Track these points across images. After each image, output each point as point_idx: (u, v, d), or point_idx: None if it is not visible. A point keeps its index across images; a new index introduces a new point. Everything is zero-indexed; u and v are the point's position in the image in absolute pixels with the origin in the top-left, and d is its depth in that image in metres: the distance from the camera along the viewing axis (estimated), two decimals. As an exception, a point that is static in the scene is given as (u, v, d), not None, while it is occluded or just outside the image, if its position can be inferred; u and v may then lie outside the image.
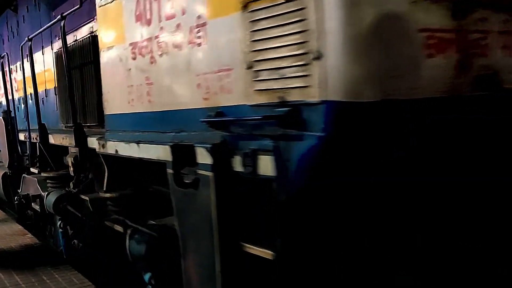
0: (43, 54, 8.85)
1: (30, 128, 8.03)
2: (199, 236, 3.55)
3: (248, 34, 3.08)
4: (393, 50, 2.65)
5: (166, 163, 3.82)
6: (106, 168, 5.66)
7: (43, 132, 7.17)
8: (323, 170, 2.79)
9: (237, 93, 3.26)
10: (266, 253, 3.11)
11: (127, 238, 4.61)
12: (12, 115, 9.17)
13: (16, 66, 10.29)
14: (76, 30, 7.30)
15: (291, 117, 2.84)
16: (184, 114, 3.78)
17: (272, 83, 2.95)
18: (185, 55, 3.69)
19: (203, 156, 3.41)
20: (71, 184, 6.64)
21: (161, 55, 3.94)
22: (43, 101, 8.95)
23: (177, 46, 3.76)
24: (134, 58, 4.31)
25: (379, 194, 2.85)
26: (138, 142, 4.22)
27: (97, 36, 6.57)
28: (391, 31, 2.65)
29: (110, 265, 6.34)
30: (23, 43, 7.83)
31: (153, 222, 4.83)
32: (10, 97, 9.46)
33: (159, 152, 3.93)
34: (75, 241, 6.74)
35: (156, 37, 3.97)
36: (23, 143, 8.89)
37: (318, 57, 2.66)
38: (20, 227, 9.57)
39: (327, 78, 2.63)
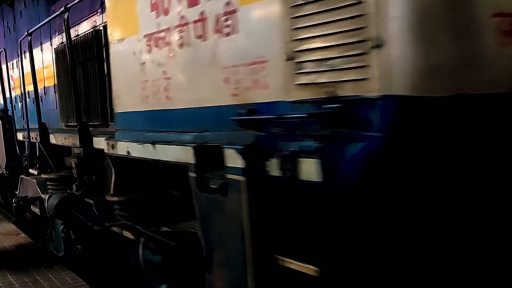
0: (41, 50, 8.44)
1: (29, 127, 7.59)
2: (229, 247, 3.17)
3: (289, 21, 2.70)
4: (466, 37, 2.27)
5: (187, 166, 3.43)
6: (113, 170, 5.27)
7: (44, 131, 6.75)
8: (379, 175, 2.42)
9: (273, 88, 2.88)
10: (308, 269, 2.73)
11: (141, 246, 4.21)
12: (10, 113, 8.73)
13: (13, 63, 9.85)
14: (77, 24, 6.90)
15: (342, 115, 2.46)
16: (208, 112, 3.39)
17: (318, 76, 2.58)
18: (210, 47, 3.30)
19: (233, 159, 3.03)
20: (74, 187, 6.23)
21: (181, 46, 3.55)
22: (41, 99, 8.53)
23: (201, 37, 3.37)
24: (149, 51, 3.91)
25: (442, 198, 2.48)
26: (153, 143, 3.82)
27: (100, 30, 6.23)
28: (464, 16, 2.27)
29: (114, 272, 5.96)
30: (21, 38, 7.42)
31: (167, 229, 4.44)
32: (7, 95, 9.02)
33: (179, 154, 3.53)
34: (78, 246, 6.33)
35: (176, 27, 3.58)
36: (21, 143, 8.46)
37: (378, 45, 2.29)
38: (14, 226, 9.34)
39: (390, 69, 2.26)
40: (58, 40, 7.82)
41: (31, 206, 7.72)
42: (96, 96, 6.37)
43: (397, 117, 2.27)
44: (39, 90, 8.60)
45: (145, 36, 3.93)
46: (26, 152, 8.03)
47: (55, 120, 7.68)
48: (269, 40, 2.86)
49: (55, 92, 8.10)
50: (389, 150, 2.34)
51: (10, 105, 9.09)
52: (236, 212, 3.04)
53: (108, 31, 4.55)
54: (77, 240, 6.31)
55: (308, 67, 2.63)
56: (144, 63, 3.98)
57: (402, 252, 2.57)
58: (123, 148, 4.28)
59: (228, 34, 3.15)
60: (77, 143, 5.77)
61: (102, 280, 6.35)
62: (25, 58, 7.83)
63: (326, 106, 2.51)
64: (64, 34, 7.59)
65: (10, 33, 10.15)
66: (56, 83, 7.81)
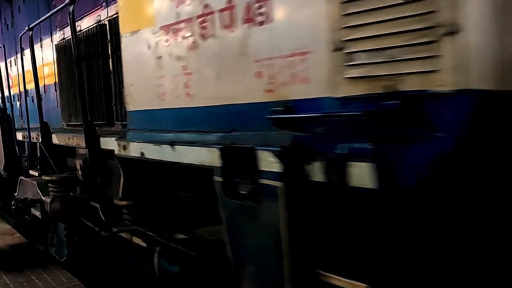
0: (41, 47, 8.09)
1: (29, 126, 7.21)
2: (263, 261, 2.82)
3: (337, 6, 2.36)
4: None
5: (212, 169, 3.09)
6: (122, 172, 4.91)
7: (46, 131, 6.37)
8: (448, 183, 2.08)
9: (316, 82, 2.54)
10: (356, 286, 2.40)
11: (156, 255, 3.86)
12: (8, 112, 8.34)
13: (11, 60, 9.46)
14: (79, 20, 6.55)
15: (404, 113, 2.13)
16: (236, 110, 3.04)
17: (373, 68, 2.24)
18: (239, 38, 2.96)
19: (268, 162, 2.68)
20: (78, 189, 5.87)
21: (205, 38, 3.21)
22: (41, 97, 8.17)
23: (228, 27, 3.02)
24: (166, 44, 3.56)
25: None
26: (172, 144, 3.47)
27: (105, 25, 5.89)
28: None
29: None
30: (22, 33, 7.04)
31: (183, 236, 4.10)
32: (6, 93, 8.63)
33: (203, 156, 3.18)
34: (82, 251, 5.97)
35: (199, 16, 3.23)
36: (20, 143, 8.07)
37: (453, 31, 1.95)
38: (8, 226, 9.23)
39: (467, 59, 1.92)
40: (59, 36, 7.46)
41: (32, 209, 7.35)
42: (100, 94, 6.03)
43: (475, 115, 1.94)
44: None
45: (162, 27, 3.58)
46: (26, 153, 7.65)
47: (55, 120, 7.33)
48: (312, 28, 2.52)
49: (55, 90, 7.74)
50: (462, 155, 2.01)
51: (8, 104, 8.70)
52: (272, 221, 2.70)
53: (120, 23, 4.19)
54: (81, 245, 5.95)
55: (361, 58, 2.29)
56: (160, 57, 3.63)
57: (467, 268, 2.24)
58: (136, 149, 3.92)
59: (261, 23, 2.80)
60: (83, 143, 5.41)
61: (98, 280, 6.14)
62: (25, 54, 7.44)
63: (385, 102, 2.16)
64: (65, 30, 7.27)
65: (8, 30, 9.76)
66: (57, 80, 7.46)
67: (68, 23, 7.00)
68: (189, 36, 3.33)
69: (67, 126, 7.27)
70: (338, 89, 2.40)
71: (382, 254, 2.34)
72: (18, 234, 8.49)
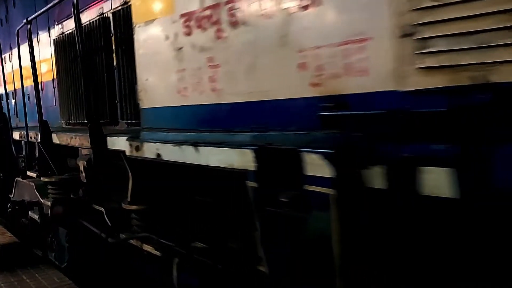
0: (38, 42, 7.65)
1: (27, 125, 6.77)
2: (310, 279, 2.44)
3: (407, -16, 1.99)
4: None
5: (244, 173, 2.71)
6: (130, 175, 4.52)
7: (46, 130, 5.94)
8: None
9: (377, 74, 2.16)
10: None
11: (175, 267, 3.47)
12: (4, 111, 7.90)
13: (5, 56, 9.00)
14: (80, 13, 6.13)
15: (498, 107, 1.76)
16: (273, 107, 2.66)
17: (457, 56, 1.87)
18: (278, 25, 2.58)
19: (317, 166, 2.30)
20: (80, 192, 5.46)
21: (235, 26, 2.82)
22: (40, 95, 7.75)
23: (264, 13, 2.64)
24: (188, 33, 3.17)
25: None
26: (195, 144, 3.08)
27: (108, 18, 5.49)
28: None
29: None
30: (19, 27, 6.60)
31: (203, 245, 3.71)
32: (1, 91, 8.19)
33: (233, 158, 2.80)
34: (84, 257, 5.56)
35: (228, 2, 2.84)
36: (16, 142, 7.63)
37: None
38: None
39: None
40: (57, 30, 7.04)
41: (29, 212, 6.92)
42: (103, 91, 5.63)
43: None
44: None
45: (183, 15, 3.19)
46: (24, 153, 7.21)
47: (53, 118, 6.92)
48: (371, 11, 2.15)
49: (54, 88, 7.32)
50: None
51: (4, 102, 8.26)
52: (321, 234, 2.32)
53: (133, 13, 3.78)
54: (83, 251, 5.55)
55: (439, 45, 1.92)
56: (181, 48, 3.24)
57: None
58: (151, 150, 3.53)
59: (306, 8, 2.42)
60: (86, 143, 5.01)
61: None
62: (22, 48, 7.01)
63: (473, 96, 1.80)
64: (64, 23, 6.85)
65: (2, 25, 9.31)
66: (55, 77, 7.03)
67: (67, 16, 6.62)
68: (216, 24, 2.94)
69: (66, 125, 6.85)
70: (407, 81, 2.03)
71: (455, 272, 1.98)
72: (9, 234, 8.19)
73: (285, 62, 2.56)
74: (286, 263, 2.59)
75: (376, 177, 2.14)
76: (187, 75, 3.20)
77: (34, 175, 6.74)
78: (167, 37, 3.35)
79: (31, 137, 6.55)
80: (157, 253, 4.16)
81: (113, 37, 5.48)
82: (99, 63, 5.67)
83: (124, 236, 4.55)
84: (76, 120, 6.37)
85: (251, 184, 2.70)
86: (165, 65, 3.39)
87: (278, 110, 2.64)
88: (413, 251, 2.10)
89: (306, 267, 2.45)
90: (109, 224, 4.92)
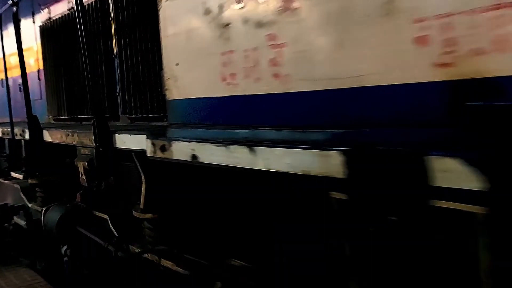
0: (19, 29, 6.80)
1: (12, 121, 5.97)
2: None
3: None
4: None
5: (322, 180, 2.06)
6: (144, 178, 3.82)
7: (35, 126, 5.16)
8: None
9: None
10: None
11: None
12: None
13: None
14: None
15: None
16: (371, 96, 2.00)
17: None
18: (380, -12, 1.92)
19: (455, 176, 1.66)
20: (78, 196, 4.72)
21: (312, -7, 2.15)
22: (20, 88, 6.93)
23: (359, -28, 1.98)
24: (239, 6, 2.48)
25: None
26: (250, 144, 2.40)
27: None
28: None
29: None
30: (2, 9, 5.77)
31: (241, 263, 3.04)
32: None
33: (308, 162, 2.14)
34: (85, 272, 4.81)
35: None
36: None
37: None
38: None
39: None
40: (44, 16, 6.25)
41: (14, 217, 6.14)
42: (101, 82, 4.92)
43: None
44: (18, 77, 7.02)
45: (232, -18, 2.50)
46: (7, 152, 6.40)
47: (39, 113, 6.11)
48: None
49: (39, 79, 6.53)
50: None
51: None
52: (460, 265, 1.69)
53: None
54: (82, 264, 4.80)
55: None
56: (227, 25, 2.55)
57: None
58: (184, 151, 2.83)
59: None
60: (86, 141, 4.29)
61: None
62: (7, 35, 6.19)
63: None
64: (52, 8, 6.06)
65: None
66: (42, 68, 6.24)
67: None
68: (281, -8, 2.27)
69: (54, 120, 6.08)
70: None
71: None
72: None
73: (392, 36, 1.91)
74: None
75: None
76: (237, 58, 2.52)
77: (20, 176, 5.96)
78: (207, 11, 2.65)
79: (17, 134, 5.75)
80: (179, 269, 3.48)
81: (112, 21, 4.77)
82: (97, 51, 4.95)
83: (137, 249, 3.84)
84: (68, 115, 5.62)
85: (336, 195, 2.05)
86: (204, 46, 2.70)
87: (377, 100, 1.99)
88: None
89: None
90: (115, 234, 4.22)
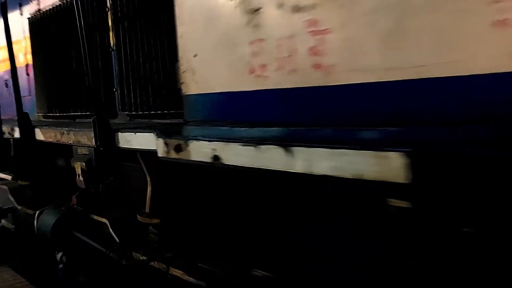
0: (4, 21, 6.43)
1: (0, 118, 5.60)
2: None
3: None
4: None
5: (376, 185, 1.79)
6: (149, 180, 3.52)
7: (27, 124, 4.81)
8: None
9: None
10: None
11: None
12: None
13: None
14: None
15: None
16: (436, 89, 1.74)
17: None
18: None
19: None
20: (73, 199, 4.38)
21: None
22: (6, 84, 6.57)
23: None
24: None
25: None
26: (285, 145, 2.12)
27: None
28: None
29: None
30: (-11, 1, 5.41)
31: (266, 274, 2.77)
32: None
33: (360, 165, 1.86)
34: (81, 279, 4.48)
35: None
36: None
37: None
38: None
39: None
40: (33, 7, 5.88)
41: (2, 220, 5.78)
42: (98, 77, 4.59)
43: None
44: (4, 73, 6.65)
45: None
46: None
47: (27, 111, 5.74)
48: None
49: (27, 75, 6.16)
50: None
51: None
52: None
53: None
54: (79, 271, 4.47)
55: None
56: (258, 10, 2.27)
57: None
58: (203, 151, 2.53)
59: None
60: (84, 140, 3.97)
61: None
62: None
63: None
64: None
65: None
66: (31, 62, 5.88)
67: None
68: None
69: (44, 118, 5.73)
70: None
71: None
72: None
73: (462, 20, 1.64)
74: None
75: None
76: (269, 47, 2.23)
77: (8, 177, 5.60)
78: (232, -4, 2.37)
79: (5, 133, 5.39)
80: (191, 279, 3.19)
81: (109, 12, 4.45)
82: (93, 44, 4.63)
83: (142, 256, 3.54)
84: (60, 113, 5.28)
85: (398, 203, 1.79)
86: (228, 35, 2.41)
87: (443, 94, 1.73)
88: None
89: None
90: (116, 239, 3.90)
